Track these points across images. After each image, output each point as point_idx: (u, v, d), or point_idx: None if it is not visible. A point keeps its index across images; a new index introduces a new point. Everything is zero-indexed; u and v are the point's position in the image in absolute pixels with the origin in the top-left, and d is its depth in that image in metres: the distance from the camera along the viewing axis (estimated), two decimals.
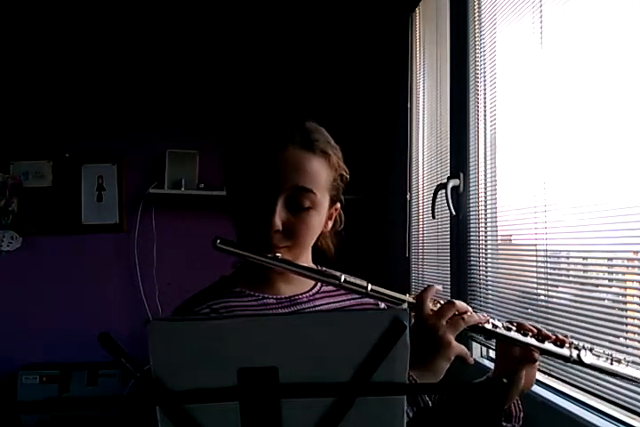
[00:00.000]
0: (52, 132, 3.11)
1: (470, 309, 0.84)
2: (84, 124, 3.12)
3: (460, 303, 0.82)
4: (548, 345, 0.81)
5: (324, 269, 0.93)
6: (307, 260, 0.96)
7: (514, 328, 0.82)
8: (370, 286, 0.82)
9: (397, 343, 0.49)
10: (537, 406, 1.38)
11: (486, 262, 1.77)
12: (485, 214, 1.80)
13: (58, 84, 3.11)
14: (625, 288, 1.18)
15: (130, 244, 3.09)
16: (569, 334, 1.30)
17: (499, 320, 0.85)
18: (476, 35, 1.87)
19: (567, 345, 0.81)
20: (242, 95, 3.17)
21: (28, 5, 3.05)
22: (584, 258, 1.35)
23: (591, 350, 0.80)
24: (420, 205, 2.48)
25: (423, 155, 2.47)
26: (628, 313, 1.14)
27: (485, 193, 1.80)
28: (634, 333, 1.11)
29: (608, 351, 0.80)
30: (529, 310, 1.49)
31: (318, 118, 0.99)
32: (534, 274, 1.46)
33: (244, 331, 0.50)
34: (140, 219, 3.07)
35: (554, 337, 0.83)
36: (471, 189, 1.86)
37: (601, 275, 1.28)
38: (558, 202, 1.37)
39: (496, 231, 1.76)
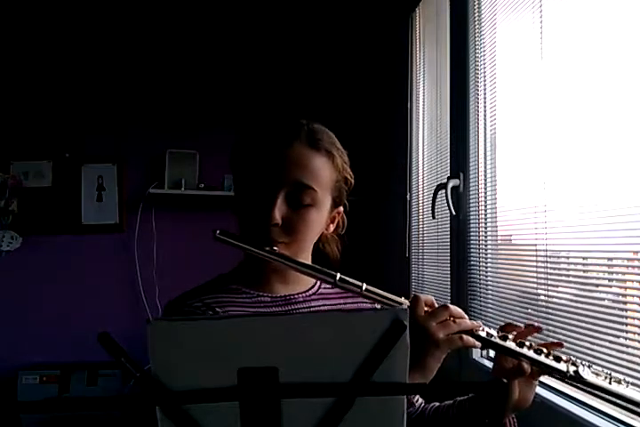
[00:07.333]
0: (52, 132, 3.11)
1: (465, 315, 0.83)
2: (83, 124, 3.12)
3: (454, 308, 0.82)
4: (541, 358, 0.78)
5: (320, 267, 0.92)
6: (306, 259, 0.96)
7: (510, 337, 0.81)
8: (365, 286, 0.83)
9: (397, 343, 0.49)
10: (537, 406, 1.38)
11: (486, 262, 1.77)
12: (485, 214, 1.80)
13: (58, 83, 3.11)
14: (625, 288, 1.18)
15: (130, 244, 3.09)
16: (569, 334, 1.30)
17: (494, 329, 0.83)
18: (476, 35, 1.87)
19: (564, 360, 0.78)
20: (241, 95, 3.18)
21: (27, 5, 3.05)
22: (584, 258, 1.35)
23: (589, 366, 0.76)
24: (420, 205, 2.48)
25: (423, 155, 2.47)
26: (628, 313, 1.14)
27: (485, 193, 1.80)
28: (634, 333, 1.11)
29: (607, 370, 0.76)
30: (529, 310, 1.49)
31: (318, 119, 1.00)
32: (534, 274, 1.46)
33: (244, 331, 0.50)
34: (139, 219, 3.07)
35: (547, 350, 0.80)
36: (471, 189, 1.86)
37: (601, 275, 1.28)
38: (558, 202, 1.37)
39: (496, 231, 1.76)
